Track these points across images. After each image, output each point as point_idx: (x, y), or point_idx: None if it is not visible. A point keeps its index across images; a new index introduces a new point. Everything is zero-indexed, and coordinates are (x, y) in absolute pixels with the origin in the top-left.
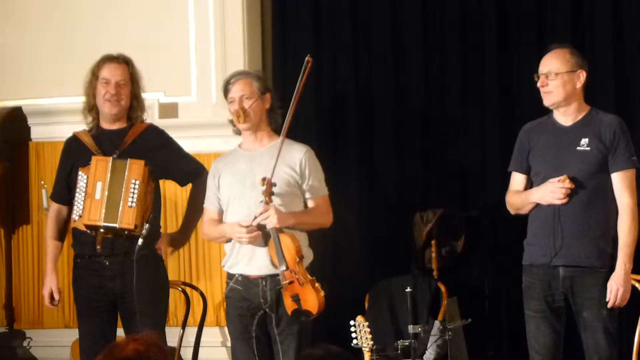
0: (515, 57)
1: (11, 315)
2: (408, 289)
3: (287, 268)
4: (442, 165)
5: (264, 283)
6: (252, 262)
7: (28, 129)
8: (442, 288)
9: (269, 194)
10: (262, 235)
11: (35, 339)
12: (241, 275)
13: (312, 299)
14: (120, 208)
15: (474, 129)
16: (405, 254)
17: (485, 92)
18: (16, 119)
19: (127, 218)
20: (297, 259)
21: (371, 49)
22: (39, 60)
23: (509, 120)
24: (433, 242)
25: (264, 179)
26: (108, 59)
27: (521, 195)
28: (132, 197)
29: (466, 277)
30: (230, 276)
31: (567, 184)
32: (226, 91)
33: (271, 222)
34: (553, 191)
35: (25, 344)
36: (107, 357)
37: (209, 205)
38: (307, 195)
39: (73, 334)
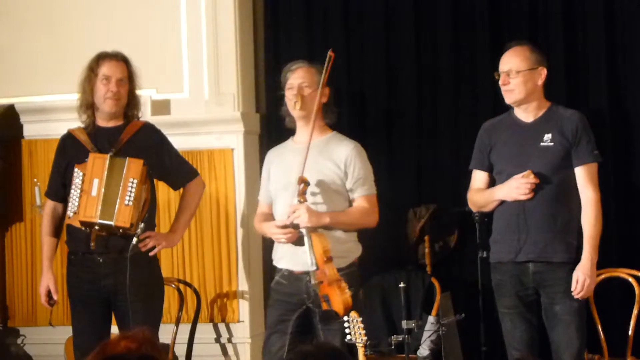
0: None
1: (5, 313)
2: (402, 285)
3: (317, 268)
4: (434, 160)
5: (307, 278)
6: (295, 257)
7: (21, 127)
8: (436, 283)
9: (302, 192)
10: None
11: (29, 336)
12: (287, 270)
13: (338, 300)
14: (117, 206)
15: (465, 125)
16: (399, 250)
17: (477, 88)
18: (9, 117)
19: (123, 216)
20: (325, 259)
21: (363, 46)
22: (31, 58)
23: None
24: (426, 237)
25: (300, 178)
26: (107, 57)
27: (484, 193)
28: (129, 196)
29: (459, 272)
30: (277, 270)
31: (532, 179)
32: (285, 79)
33: (302, 221)
34: (518, 187)
35: (19, 341)
36: (98, 354)
37: (260, 198)
38: (351, 193)
39: (66, 332)
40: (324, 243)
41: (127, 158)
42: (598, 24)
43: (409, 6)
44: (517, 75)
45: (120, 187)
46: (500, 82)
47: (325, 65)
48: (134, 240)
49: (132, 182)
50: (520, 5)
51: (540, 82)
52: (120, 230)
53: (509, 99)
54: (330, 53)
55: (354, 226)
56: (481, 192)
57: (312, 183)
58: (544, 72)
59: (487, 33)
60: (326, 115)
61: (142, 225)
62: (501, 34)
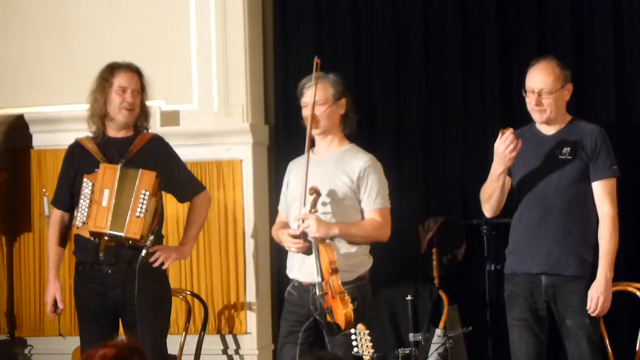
0: (516, 68)
1: (12, 323)
2: (409, 297)
3: (323, 279)
4: (442, 173)
5: (314, 290)
6: (303, 268)
7: (29, 137)
8: (443, 296)
9: (313, 203)
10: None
11: (36, 346)
12: (297, 280)
13: (340, 313)
14: (128, 217)
15: (475, 137)
16: (407, 262)
17: (486, 101)
18: (18, 127)
19: (133, 228)
20: (330, 271)
21: (372, 56)
22: (40, 68)
23: (510, 127)
24: (434, 250)
25: (311, 189)
26: (122, 67)
27: (488, 178)
28: (141, 208)
29: (467, 285)
30: (289, 279)
31: (507, 134)
32: (301, 94)
33: (310, 231)
34: (502, 150)
35: (26, 351)
36: None
37: (280, 207)
38: (363, 206)
39: (74, 342)
40: (330, 255)
41: (140, 170)
42: (607, 37)
43: (417, 20)
44: (549, 96)
45: (132, 199)
46: (533, 103)
47: (313, 72)
48: (143, 252)
49: (144, 194)
50: (529, 20)
51: (567, 98)
52: (130, 242)
53: (540, 117)
54: (316, 60)
55: (365, 239)
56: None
57: (323, 194)
58: (571, 88)
59: (496, 46)
60: (345, 127)
61: (151, 237)
62: (510, 48)
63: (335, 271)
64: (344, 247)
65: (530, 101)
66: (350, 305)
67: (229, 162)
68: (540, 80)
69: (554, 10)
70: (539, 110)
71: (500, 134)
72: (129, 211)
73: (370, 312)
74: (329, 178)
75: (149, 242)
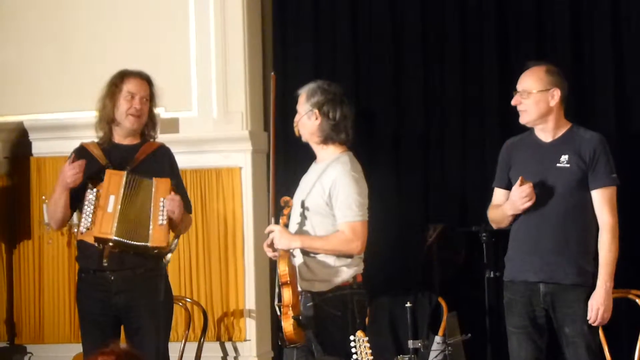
0: (515, 75)
1: (12, 330)
2: (408, 304)
3: (279, 290)
4: (442, 180)
5: (301, 297)
6: None
7: (29, 144)
8: (442, 303)
9: (284, 214)
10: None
11: (36, 353)
12: None
13: (283, 326)
14: (151, 227)
15: (474, 144)
16: (406, 269)
17: (485, 108)
18: (17, 134)
19: (159, 236)
20: (280, 283)
21: (371, 65)
22: (40, 76)
23: (509, 135)
24: (433, 257)
25: (282, 199)
26: (132, 74)
27: (498, 209)
28: (162, 216)
29: (466, 292)
30: None
31: (526, 186)
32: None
33: (275, 242)
34: (518, 197)
35: (26, 358)
36: None
37: None
38: (336, 218)
39: (74, 349)
40: (281, 267)
41: (154, 178)
42: (605, 38)
43: (417, 26)
44: (528, 96)
45: (152, 208)
46: (512, 102)
47: (272, 89)
48: (168, 256)
49: (163, 202)
50: (528, 27)
51: (553, 103)
52: (156, 251)
53: (521, 119)
54: (272, 75)
55: (333, 252)
56: (496, 209)
57: (299, 204)
58: (557, 93)
59: (495, 53)
60: (327, 137)
61: (175, 241)
62: (509, 55)
63: (285, 284)
64: (320, 257)
65: (512, 102)
66: (290, 320)
67: (228, 169)
68: (522, 81)
69: (552, 11)
70: (520, 110)
71: (519, 181)
72: (150, 220)
73: (357, 322)
74: (308, 189)
75: (173, 246)
